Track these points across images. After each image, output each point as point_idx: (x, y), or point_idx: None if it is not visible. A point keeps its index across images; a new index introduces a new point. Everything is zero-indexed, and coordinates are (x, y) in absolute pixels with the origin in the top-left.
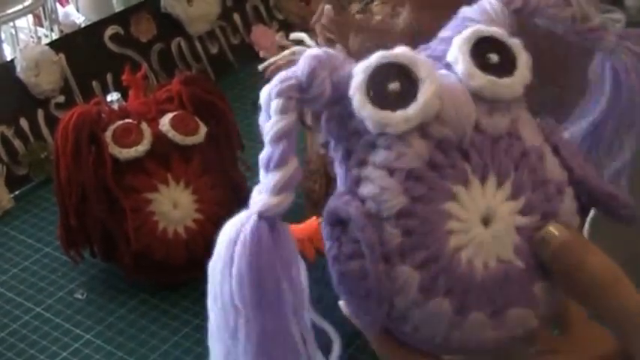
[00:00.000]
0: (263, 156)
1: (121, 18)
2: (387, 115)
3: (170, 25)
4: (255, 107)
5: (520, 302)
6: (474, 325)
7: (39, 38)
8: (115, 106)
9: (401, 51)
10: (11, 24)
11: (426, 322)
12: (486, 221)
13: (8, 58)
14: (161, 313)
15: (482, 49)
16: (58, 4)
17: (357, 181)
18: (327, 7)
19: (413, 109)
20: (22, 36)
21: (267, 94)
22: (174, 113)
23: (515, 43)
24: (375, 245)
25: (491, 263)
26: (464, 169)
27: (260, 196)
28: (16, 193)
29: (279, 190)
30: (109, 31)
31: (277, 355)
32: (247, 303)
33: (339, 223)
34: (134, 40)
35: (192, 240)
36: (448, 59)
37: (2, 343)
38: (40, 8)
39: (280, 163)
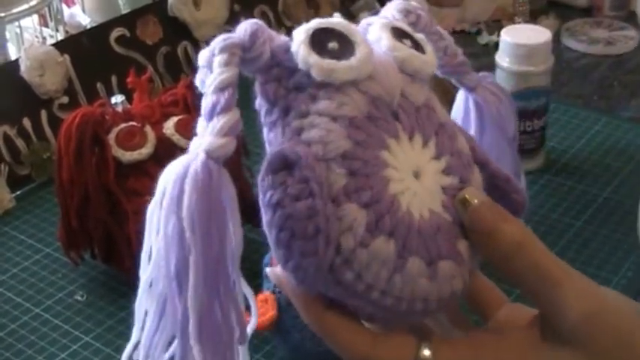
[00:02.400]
0: (206, 105)
1: (127, 20)
2: (332, 63)
3: (177, 29)
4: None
5: (449, 255)
6: (413, 271)
7: (44, 38)
8: (119, 109)
9: (337, 19)
10: (16, 23)
11: (370, 265)
12: (417, 175)
13: (13, 58)
14: None
15: (398, 35)
16: (64, 5)
17: (299, 130)
18: (336, 14)
19: (355, 60)
20: (27, 36)
21: (210, 51)
22: (179, 117)
23: (421, 37)
24: (324, 183)
25: (425, 213)
26: (395, 125)
27: (204, 138)
28: (18, 193)
29: (224, 133)
30: (115, 33)
31: (220, 292)
32: (198, 236)
33: (284, 167)
34: (140, 43)
35: None
36: (370, 39)
37: (1, 343)
38: (46, 8)
39: (225, 109)
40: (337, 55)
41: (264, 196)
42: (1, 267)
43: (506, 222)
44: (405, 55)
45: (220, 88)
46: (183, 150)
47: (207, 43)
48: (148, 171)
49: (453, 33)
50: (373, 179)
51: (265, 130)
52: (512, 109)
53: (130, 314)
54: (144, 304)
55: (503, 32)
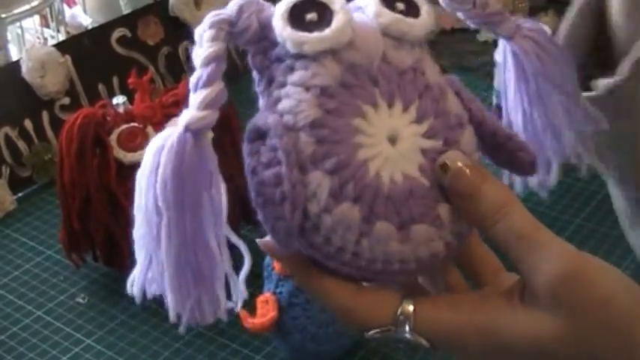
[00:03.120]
0: (192, 78)
1: (128, 21)
2: (304, 35)
3: (178, 29)
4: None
5: (424, 219)
6: (381, 235)
7: (45, 39)
8: (121, 110)
9: None
10: (18, 24)
11: (335, 230)
12: (393, 140)
13: (14, 59)
14: (163, 319)
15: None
16: (65, 5)
17: (277, 101)
18: None
19: (327, 32)
20: (28, 36)
21: (202, 27)
22: None
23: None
24: (290, 152)
25: (397, 177)
26: (373, 92)
27: (186, 112)
28: (19, 194)
29: (205, 106)
30: (116, 33)
31: (195, 259)
32: (169, 205)
33: (259, 137)
34: (141, 43)
35: None
36: (360, 4)
37: (2, 345)
38: (47, 9)
39: (207, 83)
40: (314, 26)
41: (245, 163)
42: (2, 269)
43: (488, 184)
44: (388, 20)
45: (205, 63)
46: None
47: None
48: None
49: (453, 31)
50: (341, 146)
51: (260, 100)
52: (562, 57)
53: (132, 316)
54: (137, 249)
55: None
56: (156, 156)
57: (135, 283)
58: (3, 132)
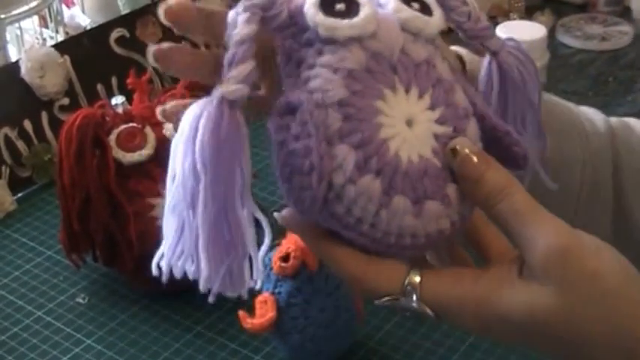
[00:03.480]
0: (227, 57)
1: (126, 21)
2: (335, 21)
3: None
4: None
5: (436, 196)
6: (399, 208)
7: (44, 40)
8: (120, 110)
9: None
10: (17, 25)
11: (357, 200)
12: (409, 124)
13: (13, 59)
14: (163, 319)
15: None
16: (63, 6)
17: (307, 80)
18: None
19: (357, 19)
20: (27, 37)
21: (236, 10)
22: None
23: (432, 1)
24: (320, 126)
25: (413, 157)
26: (392, 78)
27: (221, 86)
28: (19, 195)
29: (239, 80)
30: (115, 33)
31: (227, 226)
32: (207, 169)
33: (289, 112)
34: (140, 44)
35: None
36: (380, 1)
37: (2, 346)
38: (46, 10)
39: (240, 60)
40: (342, 15)
41: (273, 137)
42: (2, 270)
43: (492, 169)
44: (407, 15)
45: (240, 42)
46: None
47: (206, 44)
48: (148, 172)
49: (450, 31)
50: (365, 124)
51: (284, 80)
52: (535, 74)
53: (132, 316)
54: (167, 222)
55: (498, 29)
56: (193, 123)
57: (163, 259)
58: (2, 132)
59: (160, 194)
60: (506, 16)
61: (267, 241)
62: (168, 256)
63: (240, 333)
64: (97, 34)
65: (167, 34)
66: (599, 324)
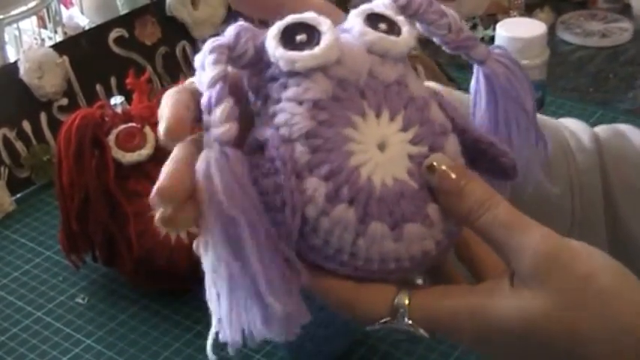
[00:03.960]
0: (204, 102)
1: (125, 21)
2: (294, 54)
3: (175, 29)
4: None
5: (416, 218)
6: (376, 234)
7: (42, 40)
8: (119, 110)
9: (308, 14)
10: (15, 25)
11: (333, 231)
12: (382, 147)
13: (11, 60)
14: (163, 319)
15: (374, 20)
16: (62, 6)
17: (273, 116)
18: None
19: (317, 50)
20: (25, 38)
21: (202, 53)
22: None
23: (401, 19)
24: (287, 161)
25: (387, 181)
26: (361, 104)
27: (211, 132)
28: (18, 195)
29: (225, 119)
30: (114, 34)
31: (274, 250)
32: (244, 208)
33: (258, 149)
34: (139, 44)
35: None
36: (345, 27)
37: (2, 347)
38: (44, 10)
39: (218, 101)
40: (304, 46)
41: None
42: (1, 270)
43: (472, 182)
44: (372, 38)
45: (212, 84)
46: None
47: (205, 42)
48: (148, 172)
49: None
50: (335, 154)
51: (254, 117)
52: (526, 80)
53: (132, 316)
54: (214, 289)
55: (498, 26)
56: (207, 174)
57: (223, 328)
58: (1, 133)
59: None
60: (506, 14)
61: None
62: (226, 325)
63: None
64: (96, 34)
65: (166, 34)
66: (596, 323)
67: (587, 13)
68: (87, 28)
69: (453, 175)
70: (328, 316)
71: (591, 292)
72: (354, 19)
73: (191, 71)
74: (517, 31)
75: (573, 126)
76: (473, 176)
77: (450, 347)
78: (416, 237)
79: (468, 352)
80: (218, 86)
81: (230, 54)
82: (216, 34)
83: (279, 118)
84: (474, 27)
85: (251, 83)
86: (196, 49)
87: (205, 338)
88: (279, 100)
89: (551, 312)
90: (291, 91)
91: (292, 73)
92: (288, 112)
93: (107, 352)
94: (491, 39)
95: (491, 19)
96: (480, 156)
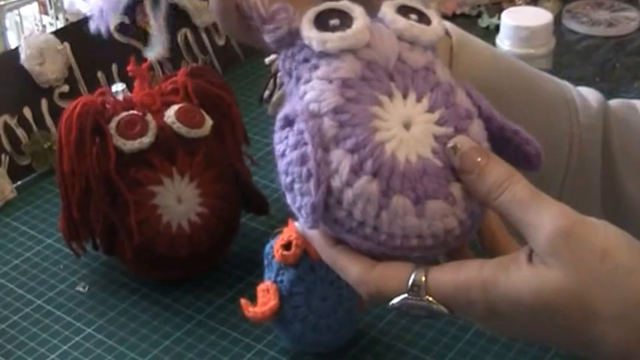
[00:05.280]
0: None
1: (127, 8)
2: (327, 34)
3: (177, 16)
4: (261, 101)
5: (438, 195)
6: (399, 208)
7: (44, 26)
8: (120, 97)
9: (342, 2)
10: (16, 11)
11: (356, 202)
12: (407, 126)
13: (12, 46)
14: (163, 308)
15: (405, 10)
16: None
17: (304, 93)
18: None
19: (348, 31)
20: (26, 24)
21: None
22: (180, 105)
23: (431, 12)
24: (315, 134)
25: (412, 157)
26: (389, 85)
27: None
28: (19, 183)
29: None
30: (115, 20)
31: None
32: None
33: (288, 124)
34: (140, 31)
35: (196, 234)
36: (378, 16)
37: (2, 335)
38: None
39: None
40: (336, 29)
41: (275, 149)
42: (2, 258)
43: (492, 162)
44: (402, 25)
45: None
46: (183, 138)
47: (207, 30)
48: (149, 160)
49: (454, 16)
50: (360, 129)
51: (287, 96)
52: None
53: (132, 305)
54: None
55: (504, 15)
56: None
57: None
58: (2, 120)
59: (161, 182)
60: (512, 2)
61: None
62: None
63: (241, 322)
64: None
65: (168, 22)
66: (610, 299)
67: (593, 2)
68: (88, 14)
69: (475, 156)
70: (330, 307)
71: (606, 268)
72: (386, 9)
73: (192, 59)
74: (523, 19)
75: (584, 90)
76: (493, 156)
77: (452, 339)
78: (438, 213)
79: (470, 344)
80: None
81: (263, 26)
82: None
83: (309, 95)
84: (478, 15)
85: (284, 66)
86: (198, 37)
87: (206, 327)
88: (309, 80)
89: (566, 286)
90: (321, 71)
91: (323, 54)
92: (318, 89)
93: (107, 340)
94: (497, 27)
95: (496, 8)
96: (504, 144)
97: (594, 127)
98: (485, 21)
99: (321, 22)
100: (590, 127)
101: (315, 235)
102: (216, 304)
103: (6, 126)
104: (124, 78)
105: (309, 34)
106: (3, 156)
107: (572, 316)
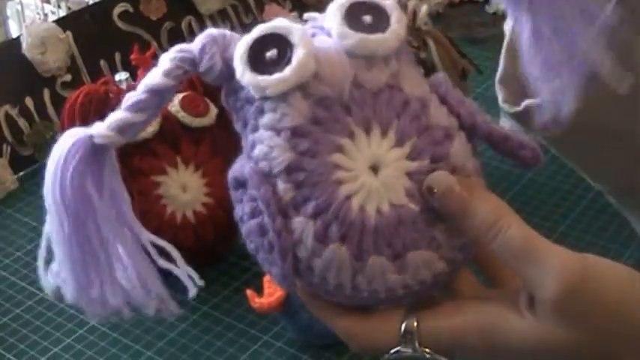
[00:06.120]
0: (127, 96)
1: None
2: (264, 79)
3: (181, 3)
4: None
5: (419, 245)
6: (376, 270)
7: (45, 15)
8: (124, 86)
9: (278, 22)
10: (17, 0)
11: (329, 271)
12: (375, 169)
13: (14, 35)
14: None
15: (356, 12)
16: None
17: (252, 146)
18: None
19: (288, 71)
20: (28, 12)
21: (165, 55)
22: (184, 94)
23: (389, 4)
24: (269, 201)
25: (383, 208)
26: (347, 123)
27: (100, 125)
28: (21, 174)
29: (113, 128)
30: (118, 8)
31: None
32: (58, 206)
33: (240, 185)
34: (144, 19)
35: (201, 225)
36: (325, 26)
37: (5, 328)
38: None
39: (132, 108)
40: (275, 65)
41: (234, 211)
42: (4, 250)
43: (476, 200)
44: (353, 41)
45: (145, 90)
46: (188, 127)
47: (212, 17)
48: (153, 149)
49: (461, 3)
50: (321, 187)
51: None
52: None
53: None
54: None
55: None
56: (55, 154)
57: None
58: (3, 110)
59: (165, 172)
60: None
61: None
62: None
63: (247, 313)
64: (100, 9)
65: (172, 9)
66: (631, 349)
67: None
68: (91, 2)
69: (456, 195)
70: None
71: (622, 319)
72: (333, 17)
73: None
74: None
75: None
76: (478, 191)
77: None
78: (422, 263)
79: None
80: (146, 96)
81: (195, 69)
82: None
83: (258, 151)
84: (486, 1)
85: (229, 102)
86: (203, 25)
87: (211, 318)
88: (256, 128)
89: (580, 345)
90: (267, 118)
91: (266, 98)
92: (266, 145)
93: (112, 333)
94: (504, 13)
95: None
96: (496, 149)
97: None
98: (492, 7)
99: (257, 56)
100: None
101: (296, 290)
102: (222, 295)
103: (7, 116)
104: (128, 67)
105: (244, 78)
106: (4, 146)
107: None
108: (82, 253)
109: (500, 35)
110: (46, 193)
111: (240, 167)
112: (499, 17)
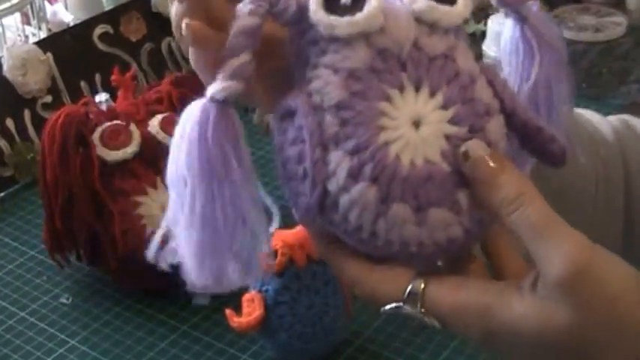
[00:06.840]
0: (225, 48)
1: (110, 17)
2: (335, 19)
3: (160, 25)
4: (247, 111)
5: (442, 203)
6: (398, 216)
7: (26, 37)
8: (104, 107)
9: None
10: None
11: (352, 208)
12: (417, 125)
13: None
14: (147, 319)
15: None
16: (46, 3)
17: (309, 81)
18: None
19: (358, 15)
20: (9, 34)
21: (243, 3)
22: (164, 115)
23: None
24: (314, 131)
25: (417, 161)
26: (400, 77)
27: (214, 83)
28: (1, 194)
29: (229, 76)
30: (98, 30)
31: (221, 225)
32: (195, 174)
33: (288, 115)
34: (124, 40)
35: None
36: None
37: None
38: (28, 6)
39: (234, 53)
40: (347, 10)
41: (274, 139)
42: None
43: (506, 174)
44: (421, 6)
45: (236, 35)
46: (168, 148)
47: None
48: (133, 170)
49: None
50: (364, 128)
51: (294, 79)
52: (560, 38)
53: (116, 316)
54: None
55: (490, 20)
56: (183, 126)
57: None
58: None
59: (145, 192)
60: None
61: (274, 224)
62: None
63: (226, 332)
64: (80, 30)
65: (151, 30)
66: (618, 346)
67: (580, 7)
68: (71, 24)
69: (488, 163)
70: (316, 315)
71: (617, 315)
72: None
73: (177, 68)
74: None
75: (593, 118)
76: (508, 167)
77: (438, 346)
78: (441, 223)
79: (457, 352)
80: (241, 38)
81: (271, 9)
82: None
83: (313, 85)
84: (465, 21)
85: (293, 44)
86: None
87: (190, 338)
88: (316, 66)
89: (572, 329)
90: (328, 58)
91: (332, 39)
92: (323, 80)
93: (91, 352)
94: (483, 34)
95: (482, 14)
96: (528, 140)
97: (615, 161)
98: (471, 27)
99: (331, 1)
100: (612, 162)
101: (312, 230)
102: (201, 314)
103: None
104: (108, 88)
105: (316, 16)
106: None
107: (572, 356)
108: (214, 221)
109: (479, 55)
110: (176, 165)
111: (292, 98)
112: (477, 37)
